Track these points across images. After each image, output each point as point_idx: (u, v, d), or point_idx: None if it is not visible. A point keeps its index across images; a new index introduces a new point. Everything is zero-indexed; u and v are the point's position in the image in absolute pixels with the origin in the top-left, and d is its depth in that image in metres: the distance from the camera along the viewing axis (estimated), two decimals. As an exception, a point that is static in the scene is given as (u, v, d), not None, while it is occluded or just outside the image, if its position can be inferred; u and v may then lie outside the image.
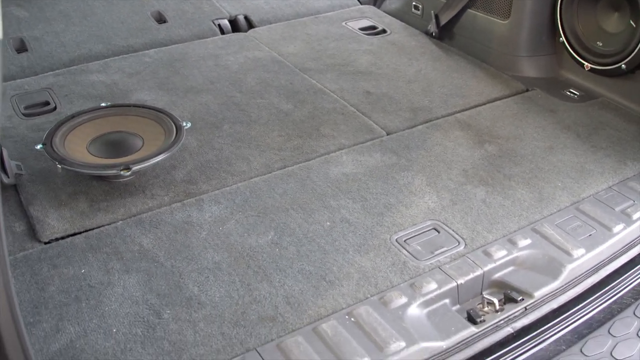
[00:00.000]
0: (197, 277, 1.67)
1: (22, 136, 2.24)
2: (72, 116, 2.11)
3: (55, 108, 2.40)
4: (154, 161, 1.92)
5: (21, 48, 2.82)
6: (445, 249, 1.74)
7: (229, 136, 2.25)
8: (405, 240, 1.77)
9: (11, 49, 2.79)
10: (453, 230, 1.80)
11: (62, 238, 1.83)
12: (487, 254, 1.70)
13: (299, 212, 1.89)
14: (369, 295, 1.60)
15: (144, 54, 2.79)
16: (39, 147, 1.97)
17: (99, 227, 1.86)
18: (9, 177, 1.97)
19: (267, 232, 1.82)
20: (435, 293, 1.60)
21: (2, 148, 1.97)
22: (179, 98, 2.47)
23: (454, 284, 1.62)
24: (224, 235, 1.81)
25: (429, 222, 1.84)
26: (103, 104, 2.18)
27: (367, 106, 2.44)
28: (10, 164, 1.98)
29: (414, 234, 1.80)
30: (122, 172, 1.87)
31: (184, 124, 2.07)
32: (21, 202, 1.95)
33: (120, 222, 1.87)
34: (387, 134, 2.28)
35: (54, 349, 1.50)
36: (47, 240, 1.82)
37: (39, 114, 2.37)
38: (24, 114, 2.37)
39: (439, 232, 1.80)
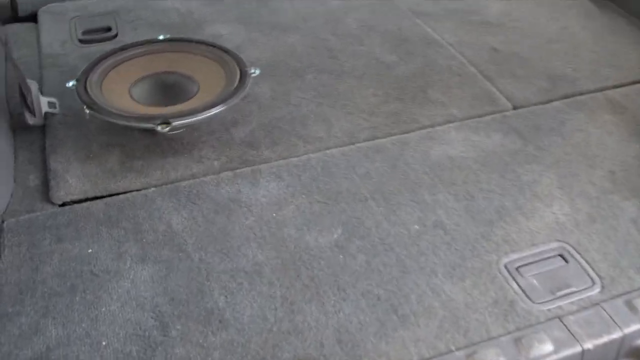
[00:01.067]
0: (228, 281, 1.23)
1: (71, 66, 1.84)
2: (121, 49, 1.68)
3: (116, 35, 1.99)
4: (199, 118, 1.46)
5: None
6: (572, 289, 1.20)
7: (312, 89, 1.77)
8: (518, 268, 1.25)
9: None
10: (587, 262, 1.26)
11: (79, 202, 1.43)
12: (632, 308, 1.16)
13: (380, 205, 1.40)
14: (453, 348, 1.10)
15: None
16: (70, 84, 1.56)
17: (125, 192, 1.44)
18: (35, 117, 1.58)
19: (333, 228, 1.35)
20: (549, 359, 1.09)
21: (27, 80, 1.58)
22: (261, 35, 1.99)
23: (579, 349, 1.09)
24: (276, 226, 1.35)
25: (554, 245, 1.30)
26: (160, 37, 1.74)
27: (491, 67, 1.88)
28: (39, 100, 1.59)
29: (531, 260, 1.27)
30: (158, 128, 1.43)
31: (252, 70, 1.61)
32: (44, 148, 1.57)
33: (153, 189, 1.44)
34: (514, 108, 1.72)
35: (24, 357, 1.10)
36: (60, 203, 1.42)
37: (97, 41, 1.97)
38: (80, 40, 1.97)
39: (567, 261, 1.26)
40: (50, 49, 1.92)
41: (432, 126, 1.64)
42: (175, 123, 1.43)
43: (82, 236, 1.33)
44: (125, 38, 1.94)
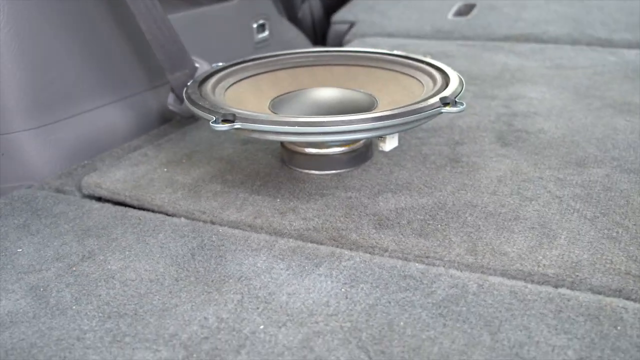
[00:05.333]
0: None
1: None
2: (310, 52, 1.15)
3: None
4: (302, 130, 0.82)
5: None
6: None
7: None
8: None
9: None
10: None
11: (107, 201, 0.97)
12: None
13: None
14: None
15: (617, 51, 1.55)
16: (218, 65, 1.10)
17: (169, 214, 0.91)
18: (180, 104, 1.15)
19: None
20: None
21: (195, 58, 1.17)
22: (592, 121, 1.17)
23: None
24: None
25: None
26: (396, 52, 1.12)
27: None
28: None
29: None
30: (217, 124, 0.82)
31: (458, 102, 0.86)
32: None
33: (183, 219, 0.87)
34: None
35: None
36: (85, 193, 0.99)
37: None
38: None
39: None
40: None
41: None
42: (240, 125, 0.82)
43: (39, 232, 0.85)
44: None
